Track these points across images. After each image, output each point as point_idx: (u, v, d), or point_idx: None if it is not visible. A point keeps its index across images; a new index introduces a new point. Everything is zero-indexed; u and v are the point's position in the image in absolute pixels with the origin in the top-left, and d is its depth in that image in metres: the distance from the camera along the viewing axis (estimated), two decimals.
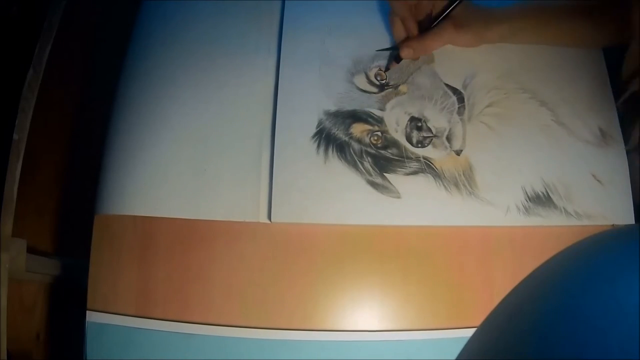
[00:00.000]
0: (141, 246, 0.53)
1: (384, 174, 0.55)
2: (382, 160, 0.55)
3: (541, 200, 0.55)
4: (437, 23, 0.57)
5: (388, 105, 0.57)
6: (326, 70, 0.58)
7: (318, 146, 0.55)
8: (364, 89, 0.58)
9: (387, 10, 0.60)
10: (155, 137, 0.56)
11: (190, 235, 0.53)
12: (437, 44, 0.58)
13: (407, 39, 0.58)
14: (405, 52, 0.57)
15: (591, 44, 0.62)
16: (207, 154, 0.55)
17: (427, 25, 0.57)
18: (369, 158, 0.55)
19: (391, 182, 0.54)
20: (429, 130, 0.57)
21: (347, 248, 0.53)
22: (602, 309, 0.18)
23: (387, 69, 0.59)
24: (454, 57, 0.60)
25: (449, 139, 0.56)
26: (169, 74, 0.59)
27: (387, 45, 0.60)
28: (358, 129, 0.56)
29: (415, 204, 0.54)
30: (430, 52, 0.59)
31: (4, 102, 0.60)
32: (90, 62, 0.88)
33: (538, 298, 0.22)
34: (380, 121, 0.57)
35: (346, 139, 0.56)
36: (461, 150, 0.56)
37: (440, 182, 0.55)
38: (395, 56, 0.58)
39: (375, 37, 0.60)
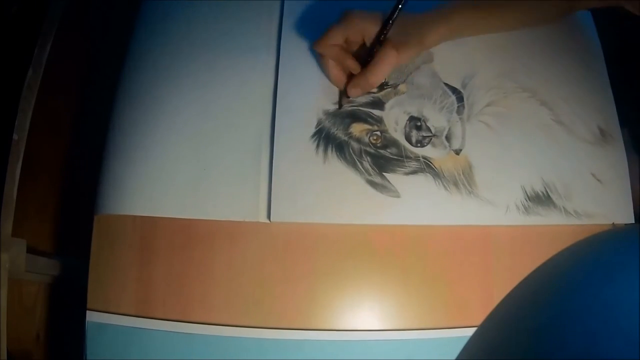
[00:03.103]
0: (141, 246, 0.53)
1: (384, 173, 0.55)
2: (381, 159, 0.55)
3: (541, 199, 0.55)
4: (375, 48, 0.53)
5: (387, 105, 0.57)
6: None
7: (317, 146, 0.55)
8: None
9: (385, 9, 0.60)
10: (155, 137, 0.56)
11: (190, 235, 0.53)
12: (382, 72, 0.54)
13: (351, 77, 0.55)
14: (352, 92, 0.55)
15: (540, 22, 0.60)
16: (206, 153, 0.55)
17: (365, 55, 0.54)
18: (368, 157, 0.55)
19: (390, 181, 0.54)
20: (428, 129, 0.57)
21: (346, 248, 0.53)
22: (602, 308, 0.19)
23: (340, 106, 0.57)
24: (453, 57, 0.60)
25: (448, 138, 0.56)
26: (168, 73, 0.59)
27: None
28: (357, 128, 0.56)
29: (415, 203, 0.54)
30: (378, 84, 0.56)
31: (4, 102, 0.60)
32: (91, 62, 0.88)
33: (538, 298, 0.22)
34: (379, 121, 0.57)
35: (345, 138, 0.56)
36: (460, 150, 0.56)
37: (440, 182, 0.55)
38: (340, 98, 0.57)
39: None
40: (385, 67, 0.53)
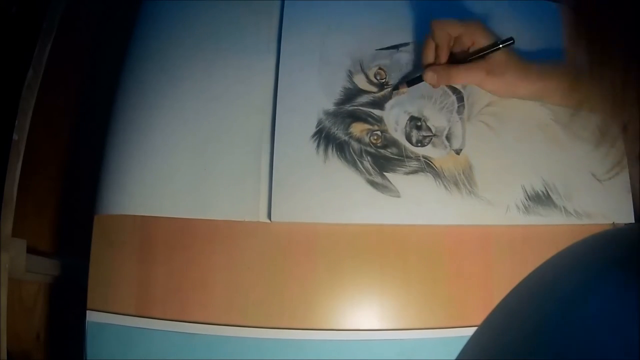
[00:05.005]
0: (141, 246, 0.53)
1: (384, 173, 0.55)
2: (381, 159, 0.55)
3: (541, 199, 0.55)
4: (472, 59, 0.55)
5: (387, 105, 0.57)
6: (326, 70, 0.58)
7: (318, 146, 0.55)
8: (363, 88, 0.58)
9: (390, 10, 0.60)
10: (155, 136, 0.56)
11: (190, 235, 0.53)
12: (463, 78, 0.56)
13: (434, 64, 0.56)
14: (428, 76, 0.55)
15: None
16: (207, 153, 0.55)
17: (460, 59, 0.56)
18: (368, 157, 0.55)
19: (391, 181, 0.54)
20: (429, 129, 0.57)
21: (347, 247, 0.53)
22: (602, 308, 0.19)
23: (395, 87, 0.58)
24: None
25: (448, 138, 0.56)
26: (168, 73, 0.59)
27: (388, 46, 0.59)
28: (358, 128, 0.56)
29: (415, 203, 0.54)
30: (453, 84, 0.57)
31: (4, 102, 0.60)
32: (91, 63, 0.88)
33: (538, 298, 0.22)
34: (379, 120, 0.57)
35: (346, 138, 0.56)
36: (461, 150, 0.56)
37: (440, 181, 0.55)
38: (413, 78, 0.57)
39: (374, 36, 0.60)
40: (468, 75, 0.55)
